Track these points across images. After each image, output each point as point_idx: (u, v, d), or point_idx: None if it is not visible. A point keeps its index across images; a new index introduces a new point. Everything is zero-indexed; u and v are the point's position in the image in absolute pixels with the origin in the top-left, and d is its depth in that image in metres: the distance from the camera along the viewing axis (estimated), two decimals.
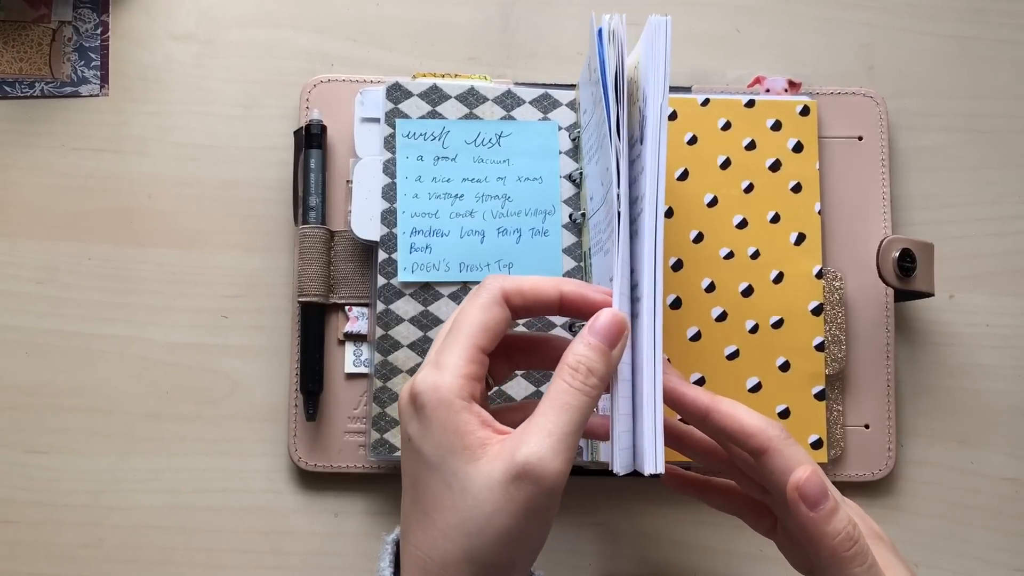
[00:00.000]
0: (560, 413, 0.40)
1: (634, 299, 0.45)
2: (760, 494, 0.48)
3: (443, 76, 0.58)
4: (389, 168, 0.56)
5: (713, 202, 0.58)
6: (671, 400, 0.45)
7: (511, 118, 0.57)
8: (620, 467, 0.42)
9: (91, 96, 0.60)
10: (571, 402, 0.40)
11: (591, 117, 0.51)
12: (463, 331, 0.42)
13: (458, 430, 0.40)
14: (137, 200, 0.59)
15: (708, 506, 0.51)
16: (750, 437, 0.43)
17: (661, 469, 0.42)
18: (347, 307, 0.57)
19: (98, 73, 0.60)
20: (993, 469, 0.59)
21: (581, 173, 0.56)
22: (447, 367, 0.41)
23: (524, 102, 0.57)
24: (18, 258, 0.58)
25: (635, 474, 0.44)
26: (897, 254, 0.56)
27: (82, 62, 0.60)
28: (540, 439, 0.39)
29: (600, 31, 0.46)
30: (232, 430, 0.57)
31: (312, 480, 0.57)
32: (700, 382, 0.56)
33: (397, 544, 0.44)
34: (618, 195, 0.44)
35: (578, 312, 0.44)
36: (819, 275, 0.57)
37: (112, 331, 0.58)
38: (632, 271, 0.45)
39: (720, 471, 0.50)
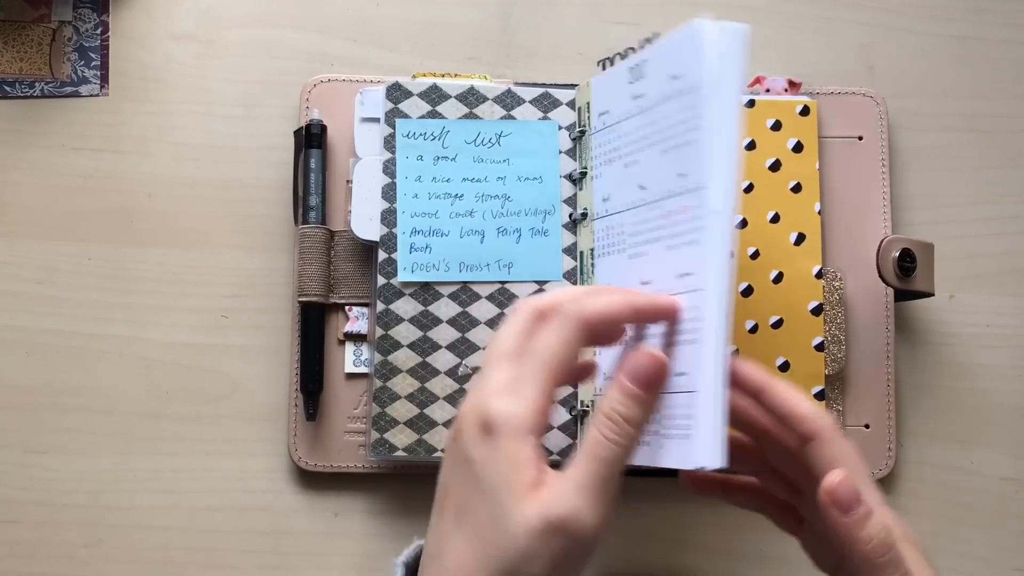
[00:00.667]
0: (595, 464, 0.40)
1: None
2: (787, 494, 0.48)
3: (443, 76, 0.58)
4: (389, 168, 0.56)
5: None
6: (730, 374, 0.44)
7: (511, 118, 0.57)
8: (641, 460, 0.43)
9: (91, 96, 0.60)
10: (606, 455, 0.40)
11: (625, 119, 0.50)
12: (545, 363, 0.41)
13: (521, 465, 0.39)
14: (137, 200, 0.59)
15: (732, 505, 0.50)
16: (802, 420, 0.43)
17: (724, 462, 0.41)
18: (347, 307, 0.57)
19: (98, 73, 0.60)
20: (993, 469, 0.59)
21: (583, 173, 0.56)
22: (526, 399, 0.40)
23: (524, 101, 0.57)
24: (18, 258, 0.58)
25: (636, 473, 0.43)
26: (897, 254, 0.56)
27: (82, 62, 0.60)
28: (576, 494, 0.39)
29: (698, 37, 0.44)
30: (232, 430, 0.57)
31: (312, 480, 0.57)
32: None
33: (407, 568, 0.44)
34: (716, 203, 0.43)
35: (647, 322, 0.44)
36: (819, 275, 0.57)
37: (112, 331, 0.58)
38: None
39: (746, 471, 0.49)
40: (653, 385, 0.41)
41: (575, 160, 0.57)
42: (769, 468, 0.48)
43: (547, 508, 0.38)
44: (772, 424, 0.46)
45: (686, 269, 0.44)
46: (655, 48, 0.48)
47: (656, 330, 0.45)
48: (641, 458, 0.44)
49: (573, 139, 0.57)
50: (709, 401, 0.42)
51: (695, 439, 0.42)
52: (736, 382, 0.44)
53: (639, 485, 0.57)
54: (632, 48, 0.55)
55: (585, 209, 0.55)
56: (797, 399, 0.44)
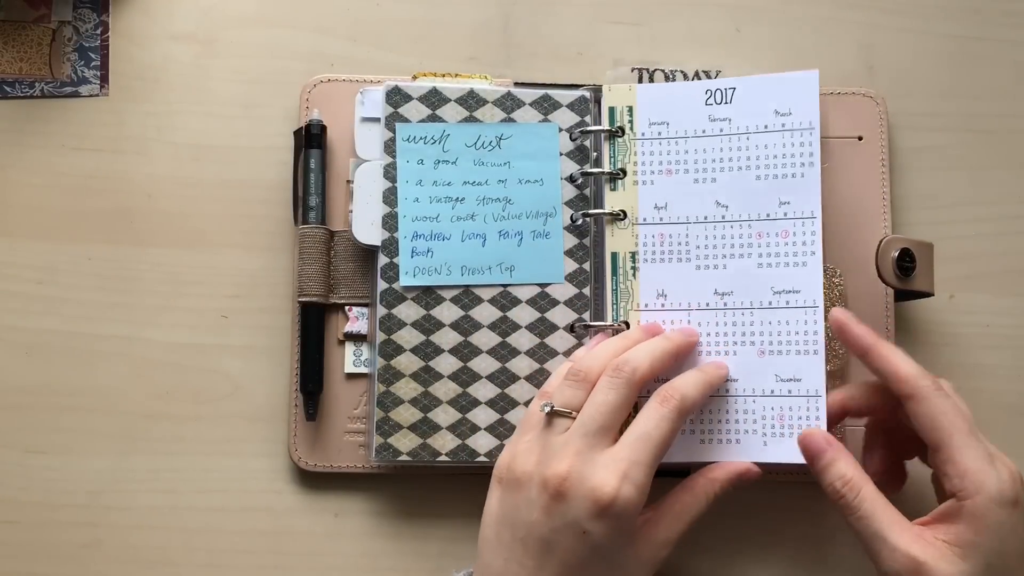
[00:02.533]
0: (677, 511, 0.50)
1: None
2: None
3: (443, 76, 0.58)
4: (390, 172, 0.56)
5: None
6: (841, 332, 0.51)
7: (511, 120, 0.57)
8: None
9: (91, 96, 0.60)
10: (685, 506, 0.51)
11: (698, 136, 0.56)
12: (655, 445, 0.48)
13: (634, 536, 0.48)
14: (137, 200, 0.59)
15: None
16: (901, 382, 0.48)
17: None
18: (347, 307, 0.57)
19: (98, 73, 0.60)
20: None
21: (584, 174, 0.56)
22: (640, 487, 0.47)
23: (524, 104, 0.57)
24: (18, 258, 0.58)
25: None
26: (896, 254, 0.56)
27: (82, 62, 0.60)
28: (672, 524, 0.50)
29: (813, 83, 0.55)
30: (232, 430, 0.57)
31: (312, 480, 0.57)
32: None
33: None
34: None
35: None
36: None
37: (112, 331, 0.58)
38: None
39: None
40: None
41: (576, 162, 0.57)
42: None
43: (655, 541, 0.49)
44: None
45: (788, 287, 0.54)
46: (750, 80, 0.55)
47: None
48: (758, 455, 0.53)
49: (574, 140, 0.57)
50: (824, 401, 0.52)
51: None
52: (847, 340, 0.51)
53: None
54: (683, 71, 0.60)
55: (622, 211, 0.56)
56: (898, 361, 0.49)
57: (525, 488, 0.48)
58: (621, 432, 0.49)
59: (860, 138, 0.60)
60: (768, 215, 0.54)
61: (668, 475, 0.55)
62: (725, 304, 0.54)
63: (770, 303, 0.54)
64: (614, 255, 0.56)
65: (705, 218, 0.55)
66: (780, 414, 0.53)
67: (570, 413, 0.49)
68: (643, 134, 0.56)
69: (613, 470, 0.47)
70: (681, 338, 0.53)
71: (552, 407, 0.49)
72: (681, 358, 0.53)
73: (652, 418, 0.48)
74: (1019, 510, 0.46)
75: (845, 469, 0.48)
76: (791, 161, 0.54)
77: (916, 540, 0.46)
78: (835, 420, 0.53)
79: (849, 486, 0.48)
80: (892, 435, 0.54)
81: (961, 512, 0.46)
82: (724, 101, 0.55)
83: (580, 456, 0.47)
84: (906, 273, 0.56)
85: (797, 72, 0.55)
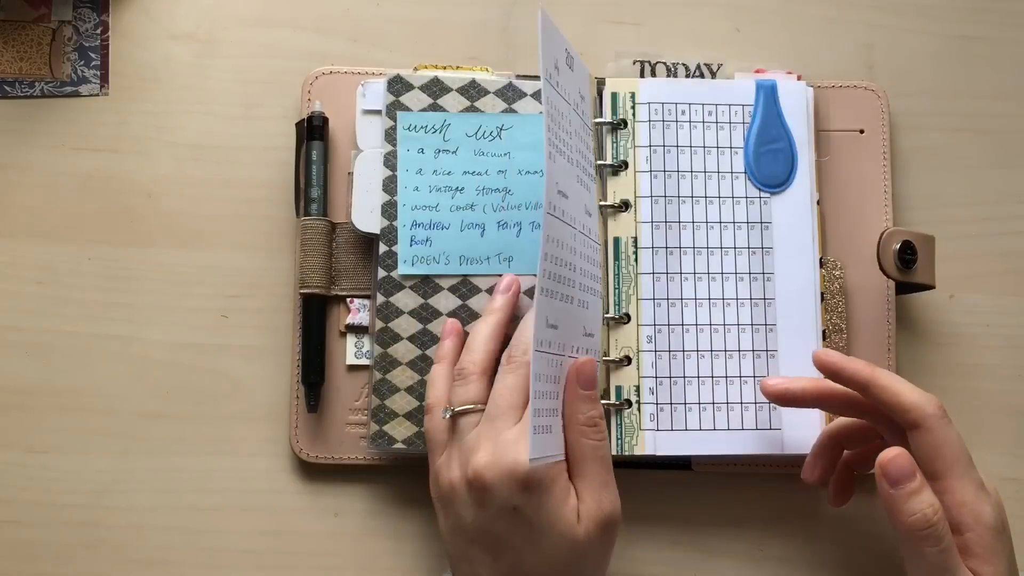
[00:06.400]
0: (601, 464, 0.48)
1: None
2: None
3: (444, 68, 0.58)
4: (390, 161, 0.56)
5: None
6: (833, 374, 0.50)
7: (512, 111, 0.57)
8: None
9: (91, 96, 0.60)
10: (603, 454, 0.48)
11: None
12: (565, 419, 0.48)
13: (563, 501, 0.47)
14: (137, 200, 0.59)
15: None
16: (906, 412, 0.48)
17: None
18: (348, 299, 0.57)
19: (98, 73, 0.60)
20: (993, 469, 0.59)
21: (623, 163, 0.57)
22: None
23: (525, 95, 0.57)
24: (18, 258, 0.58)
25: (631, 465, 0.49)
26: (898, 246, 0.56)
27: (82, 62, 0.60)
28: (604, 494, 0.48)
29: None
30: (232, 430, 0.57)
31: (313, 473, 0.57)
32: None
33: None
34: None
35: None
36: (820, 264, 0.57)
37: (112, 331, 0.58)
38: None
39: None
40: (592, 383, 0.49)
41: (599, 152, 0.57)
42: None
43: (594, 516, 0.47)
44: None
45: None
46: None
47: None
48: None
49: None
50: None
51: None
52: (842, 379, 0.50)
53: (638, 485, 0.57)
54: (684, 64, 0.60)
55: (624, 200, 0.56)
56: (900, 390, 0.48)
57: (457, 494, 0.48)
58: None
59: (861, 131, 0.60)
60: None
61: (669, 468, 0.55)
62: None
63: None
64: (617, 240, 0.56)
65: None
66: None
67: (474, 407, 0.49)
68: (644, 126, 0.57)
69: (522, 441, 0.47)
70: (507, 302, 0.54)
71: (453, 410, 0.50)
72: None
73: (520, 380, 0.49)
74: (1006, 535, 0.47)
75: (933, 498, 0.46)
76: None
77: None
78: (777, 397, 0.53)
79: (939, 516, 0.46)
80: (852, 444, 0.54)
81: (967, 545, 0.46)
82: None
83: (491, 441, 0.47)
84: (907, 265, 0.56)
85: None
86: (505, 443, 0.47)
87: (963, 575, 0.45)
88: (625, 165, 0.57)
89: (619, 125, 0.57)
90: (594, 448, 0.48)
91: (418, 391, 0.55)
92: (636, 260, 0.56)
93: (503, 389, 0.49)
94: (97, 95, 0.60)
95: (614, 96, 0.57)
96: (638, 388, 0.55)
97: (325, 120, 0.57)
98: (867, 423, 0.52)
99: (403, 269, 0.55)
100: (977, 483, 0.47)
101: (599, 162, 0.57)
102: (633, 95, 0.57)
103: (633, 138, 0.57)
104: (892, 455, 0.46)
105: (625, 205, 0.56)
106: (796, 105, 0.58)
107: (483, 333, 0.52)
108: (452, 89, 0.57)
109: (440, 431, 0.51)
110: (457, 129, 0.57)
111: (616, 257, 0.56)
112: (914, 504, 0.46)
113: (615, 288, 0.56)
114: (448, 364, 0.52)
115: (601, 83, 0.58)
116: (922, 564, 0.46)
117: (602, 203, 0.57)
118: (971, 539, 0.46)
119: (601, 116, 0.58)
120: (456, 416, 0.50)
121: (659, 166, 0.57)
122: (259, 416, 0.57)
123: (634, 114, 0.57)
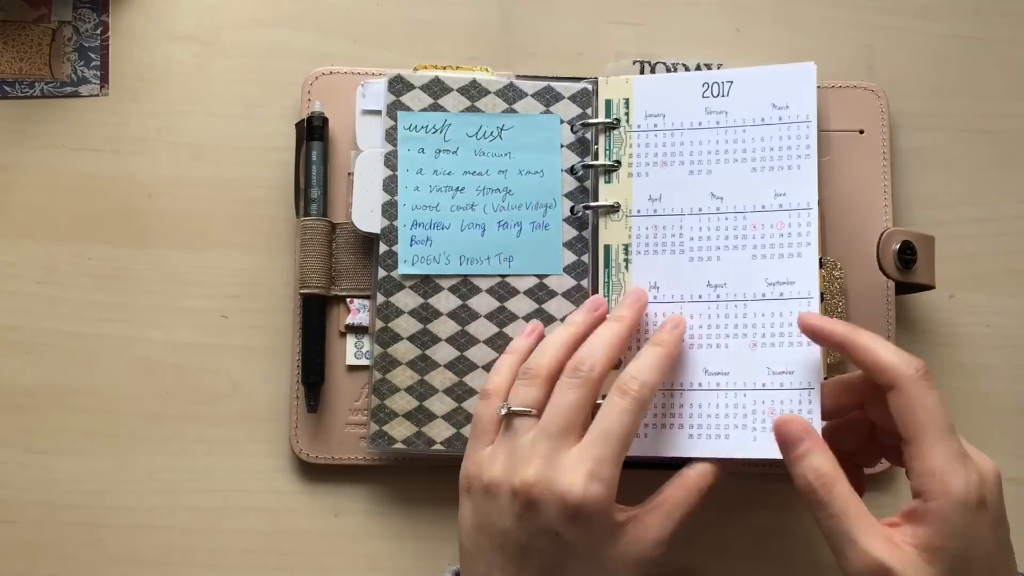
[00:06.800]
0: (668, 509, 0.49)
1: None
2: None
3: (444, 68, 0.58)
4: (390, 160, 0.56)
5: None
6: (814, 334, 0.49)
7: (513, 111, 0.57)
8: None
9: (91, 96, 0.60)
10: (676, 502, 0.49)
11: (694, 128, 0.56)
12: (618, 440, 0.47)
13: (611, 533, 0.47)
14: (137, 200, 0.59)
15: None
16: (882, 372, 0.46)
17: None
18: (348, 299, 0.57)
19: (98, 73, 0.60)
20: None
21: (584, 166, 0.56)
22: (608, 483, 0.46)
23: (526, 95, 0.57)
24: (18, 258, 0.58)
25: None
26: (898, 246, 0.56)
27: (82, 62, 0.60)
28: (662, 521, 0.48)
29: (810, 76, 0.55)
30: (232, 430, 0.57)
31: (313, 473, 0.57)
32: None
33: None
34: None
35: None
36: (819, 264, 0.57)
37: (112, 331, 0.58)
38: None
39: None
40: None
41: (577, 154, 0.57)
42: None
43: (643, 540, 0.47)
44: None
45: (782, 278, 0.53)
46: (747, 73, 0.55)
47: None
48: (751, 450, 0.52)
49: (575, 132, 0.57)
50: (818, 394, 0.51)
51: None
52: (822, 340, 0.49)
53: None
54: (684, 64, 0.60)
55: (616, 203, 0.56)
56: (877, 350, 0.46)
57: (496, 496, 0.47)
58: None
59: (861, 131, 0.60)
60: (763, 206, 0.54)
61: (661, 468, 0.55)
62: (718, 296, 0.54)
63: (764, 295, 0.53)
64: (607, 248, 0.56)
65: (700, 210, 0.55)
66: (771, 408, 0.51)
67: (529, 412, 0.48)
68: (639, 126, 0.56)
69: (579, 470, 0.46)
70: (632, 314, 0.52)
71: (510, 408, 0.48)
72: (636, 329, 0.53)
73: (613, 412, 0.47)
74: (986, 512, 0.43)
75: (820, 462, 0.45)
76: (787, 153, 0.54)
77: (885, 544, 0.43)
78: (830, 415, 0.51)
79: (823, 480, 0.45)
80: (858, 437, 0.52)
81: (927, 514, 0.43)
82: (721, 94, 0.55)
83: (546, 460, 0.46)
84: (907, 266, 0.56)
85: (794, 64, 0.55)
86: (561, 466, 0.46)
87: (863, 543, 0.43)
88: (619, 165, 0.56)
89: (613, 125, 0.57)
90: (674, 486, 0.50)
91: (418, 391, 0.55)
92: (627, 268, 0.55)
93: (565, 405, 0.48)
94: (97, 95, 0.60)
95: (608, 102, 0.57)
96: None
97: (325, 120, 0.57)
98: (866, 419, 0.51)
99: (403, 269, 0.55)
100: (953, 452, 0.44)
101: (593, 163, 0.57)
102: (627, 100, 0.57)
103: (626, 139, 0.56)
104: (786, 419, 0.47)
105: (617, 206, 0.56)
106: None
107: (561, 338, 0.51)
108: (453, 89, 0.57)
109: (491, 421, 0.49)
110: (458, 129, 0.57)
111: (607, 265, 0.56)
112: (798, 468, 0.46)
113: (606, 296, 0.56)
114: (518, 358, 0.51)
115: (598, 83, 0.58)
116: (820, 529, 0.45)
117: (593, 204, 0.56)
118: (935, 509, 0.43)
119: (597, 116, 0.57)
120: (511, 415, 0.48)
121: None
122: (259, 416, 0.57)
123: (628, 116, 0.56)
